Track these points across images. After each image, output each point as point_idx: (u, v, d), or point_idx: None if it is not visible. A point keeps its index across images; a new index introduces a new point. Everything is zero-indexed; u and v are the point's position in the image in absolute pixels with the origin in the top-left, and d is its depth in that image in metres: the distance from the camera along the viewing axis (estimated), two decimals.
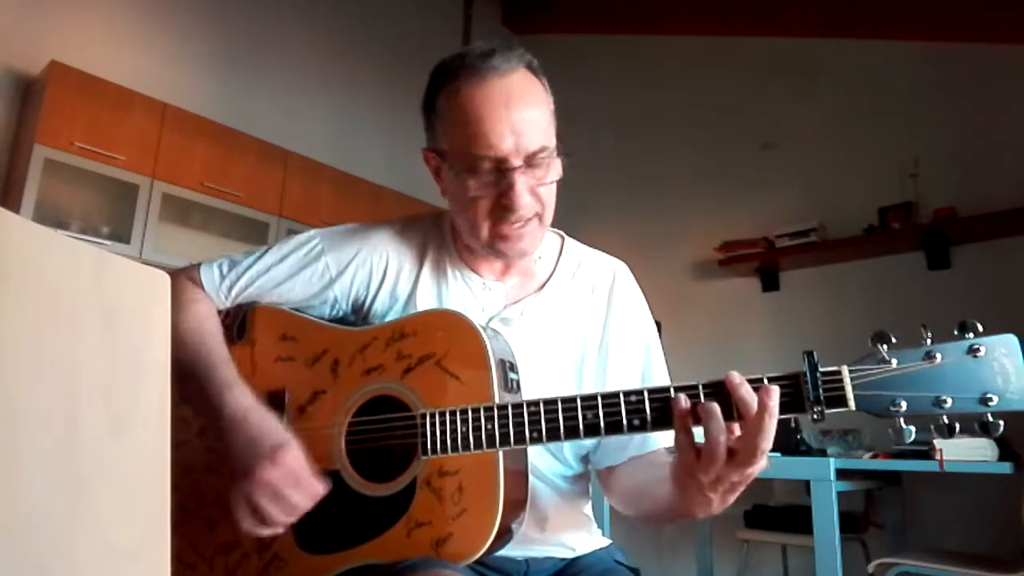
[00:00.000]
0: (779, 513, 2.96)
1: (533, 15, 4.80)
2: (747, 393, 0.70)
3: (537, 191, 0.89)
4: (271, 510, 0.76)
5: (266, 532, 0.79)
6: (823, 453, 2.59)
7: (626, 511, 0.98)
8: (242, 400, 0.83)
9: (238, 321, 0.96)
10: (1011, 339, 0.70)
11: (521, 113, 0.86)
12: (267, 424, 0.81)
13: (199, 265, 0.99)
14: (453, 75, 0.88)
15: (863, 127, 3.47)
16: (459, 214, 0.94)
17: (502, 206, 0.88)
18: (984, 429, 0.69)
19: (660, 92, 4.26)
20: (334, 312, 1.00)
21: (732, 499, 0.75)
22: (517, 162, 0.86)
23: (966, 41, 3.22)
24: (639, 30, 4.40)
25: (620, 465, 0.98)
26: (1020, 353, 0.69)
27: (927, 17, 3.33)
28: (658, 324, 1.07)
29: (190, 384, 0.85)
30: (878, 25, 3.48)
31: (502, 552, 0.84)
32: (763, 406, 0.68)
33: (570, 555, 0.97)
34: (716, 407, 0.70)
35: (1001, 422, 0.68)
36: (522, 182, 0.86)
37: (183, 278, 0.98)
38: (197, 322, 0.92)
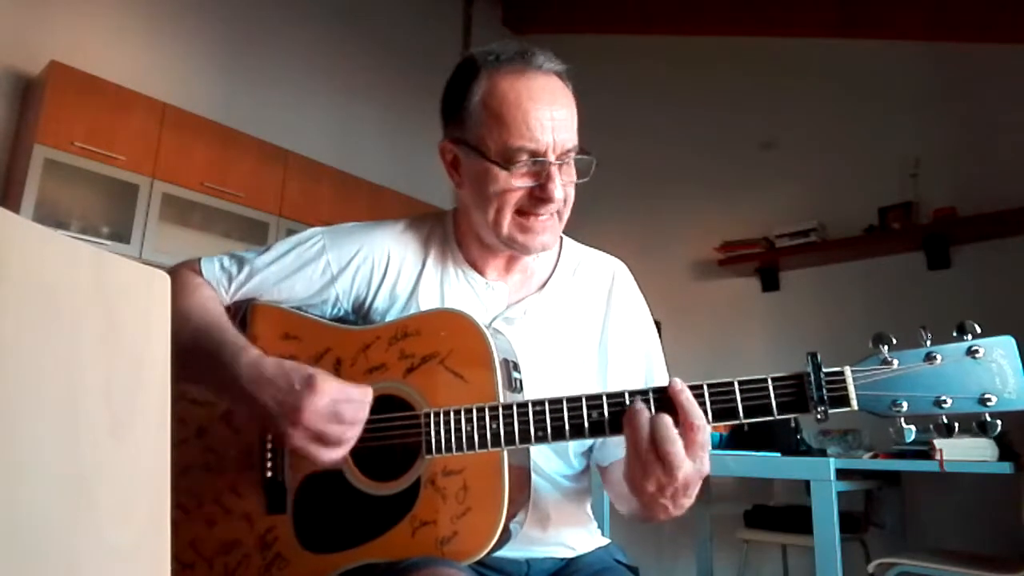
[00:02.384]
0: (779, 513, 2.95)
1: (533, 15, 4.79)
2: (686, 400, 0.74)
3: (566, 187, 0.92)
4: (335, 430, 0.76)
5: (338, 454, 0.78)
6: (823, 453, 2.59)
7: (620, 510, 0.98)
8: (255, 354, 0.82)
9: (238, 319, 0.96)
10: (1008, 341, 0.71)
11: (560, 112, 0.89)
12: (289, 364, 0.80)
13: (200, 259, 0.99)
14: (493, 67, 0.90)
15: (863, 127, 3.47)
16: (478, 207, 0.93)
17: (536, 198, 0.89)
18: (982, 428, 0.70)
19: (660, 92, 4.26)
20: (335, 311, 1.00)
21: (687, 503, 0.77)
22: (553, 157, 0.88)
23: (966, 41, 3.22)
24: (639, 30, 4.40)
25: (616, 462, 0.98)
26: (1017, 354, 0.70)
27: (927, 17, 3.33)
28: (658, 324, 1.07)
29: (199, 357, 0.84)
30: (878, 25, 3.48)
31: (502, 552, 0.84)
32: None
33: (570, 554, 0.97)
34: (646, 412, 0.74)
35: (999, 422, 0.69)
36: (558, 176, 0.89)
37: (184, 269, 0.98)
38: (201, 301, 0.92)
